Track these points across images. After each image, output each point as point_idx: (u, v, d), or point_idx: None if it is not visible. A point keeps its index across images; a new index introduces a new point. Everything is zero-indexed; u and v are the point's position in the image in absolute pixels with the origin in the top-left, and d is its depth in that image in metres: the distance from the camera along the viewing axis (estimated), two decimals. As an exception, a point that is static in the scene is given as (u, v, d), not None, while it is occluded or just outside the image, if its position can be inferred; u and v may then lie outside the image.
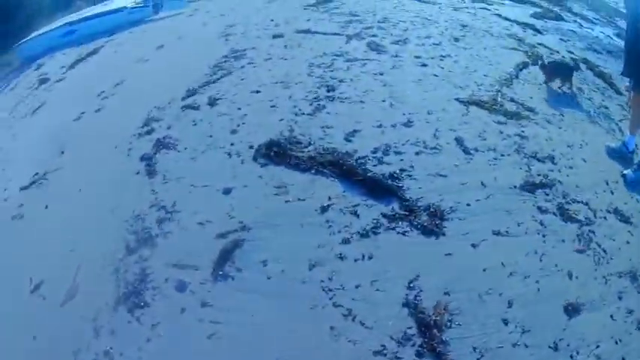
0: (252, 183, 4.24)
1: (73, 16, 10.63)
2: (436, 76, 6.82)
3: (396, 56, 7.29)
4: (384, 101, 5.65)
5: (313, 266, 3.56)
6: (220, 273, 3.48)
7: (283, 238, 3.74)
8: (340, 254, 3.64)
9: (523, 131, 5.82)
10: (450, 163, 4.75)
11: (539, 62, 6.58)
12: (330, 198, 4.06)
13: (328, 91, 5.70)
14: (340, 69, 6.35)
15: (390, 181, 4.29)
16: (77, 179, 4.95)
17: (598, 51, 8.94)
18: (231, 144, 4.77)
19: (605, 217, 4.68)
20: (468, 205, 4.26)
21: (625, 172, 5.43)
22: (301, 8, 9.16)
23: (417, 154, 4.79)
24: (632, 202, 5.07)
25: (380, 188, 4.20)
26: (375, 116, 5.25)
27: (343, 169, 4.33)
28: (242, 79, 6.14)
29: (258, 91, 5.75)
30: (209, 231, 3.84)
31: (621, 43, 8.68)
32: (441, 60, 7.34)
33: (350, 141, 4.79)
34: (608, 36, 9.63)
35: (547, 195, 4.84)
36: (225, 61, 6.75)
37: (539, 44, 8.51)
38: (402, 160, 4.63)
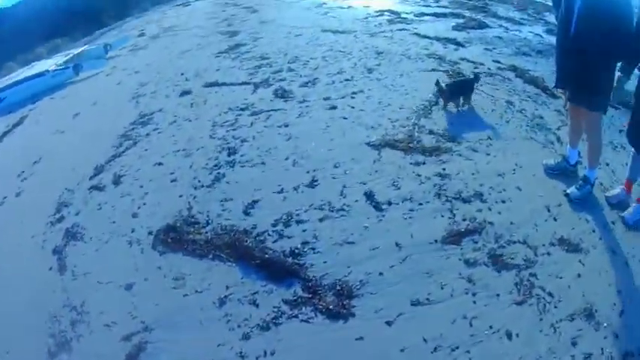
0: (152, 276, 3.98)
1: (1, 82, 11.00)
2: (345, 118, 6.25)
3: (304, 101, 6.80)
4: (286, 159, 5.28)
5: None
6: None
7: (184, 338, 3.47)
8: (241, 352, 3.32)
9: (444, 169, 5.16)
10: (359, 226, 4.35)
11: (435, 86, 6.04)
12: (227, 287, 3.76)
13: (229, 154, 5.44)
14: (244, 126, 6.10)
15: (290, 260, 3.92)
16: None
17: (527, 53, 8.42)
18: (132, 230, 4.51)
19: (548, 253, 4.08)
20: (381, 274, 3.81)
21: (568, 190, 4.76)
22: (213, 56, 9.32)
23: (321, 220, 4.36)
24: (580, 224, 4.43)
25: (280, 270, 3.83)
26: (277, 179, 4.90)
27: (241, 251, 4.02)
28: (146, 150, 5.93)
29: (160, 164, 5.52)
30: (115, 333, 3.59)
31: (552, 39, 8.07)
32: (352, 98, 6.77)
33: (249, 214, 4.46)
34: (538, 35, 9.14)
35: (475, 243, 4.20)
36: (132, 129, 6.60)
37: (462, 59, 7.96)
38: (304, 230, 4.23)
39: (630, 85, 4.24)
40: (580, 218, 4.54)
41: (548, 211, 4.62)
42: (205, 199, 4.73)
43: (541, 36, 9.17)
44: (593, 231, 4.38)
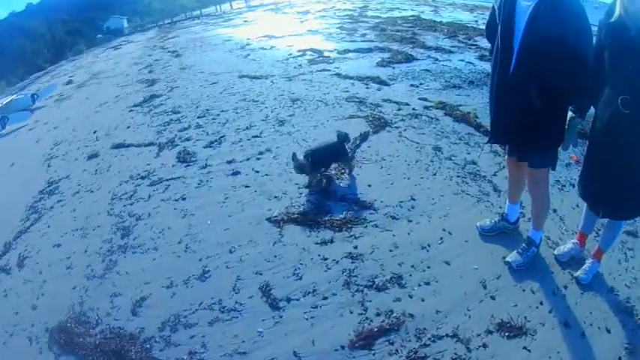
0: None
1: None
2: (247, 186, 5.53)
3: (205, 167, 6.13)
4: (179, 243, 4.71)
5: None
6: None
7: None
8: None
9: (356, 247, 4.40)
10: (253, 331, 3.68)
11: (293, 161, 5.14)
12: None
13: (122, 236, 4.96)
14: (141, 199, 5.63)
15: None
16: None
17: (458, 86, 7.85)
18: (32, 325, 4.11)
19: (484, 345, 3.40)
20: None
21: (509, 258, 4.05)
22: (127, 110, 9.19)
23: (210, 324, 3.78)
24: (524, 298, 3.76)
25: None
26: (167, 270, 4.37)
27: (129, 356, 3.57)
28: (48, 227, 5.58)
29: (59, 245, 5.14)
30: None
31: (486, 65, 7.46)
32: (257, 159, 6.07)
33: (136, 314, 3.96)
34: (470, 62, 8.56)
35: (391, 344, 3.46)
36: (40, 199, 6.33)
37: (385, 100, 7.32)
38: (192, 337, 3.65)
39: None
40: (524, 290, 3.85)
41: (484, 287, 3.90)
42: (96, 292, 4.29)
43: (473, 64, 8.67)
44: (541, 303, 3.70)
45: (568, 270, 3.94)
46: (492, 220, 4.41)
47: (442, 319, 3.62)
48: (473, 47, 9.57)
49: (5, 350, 4.03)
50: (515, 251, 4.05)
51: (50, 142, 8.45)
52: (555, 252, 4.10)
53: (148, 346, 3.63)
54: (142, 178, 6.11)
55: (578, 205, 4.41)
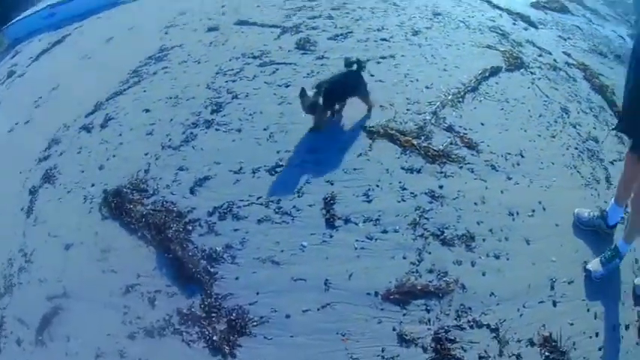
0: (88, 241, 3.53)
1: (55, -1, 10.91)
2: None
3: (322, 58, 5.24)
4: (265, 130, 4.17)
5: (97, 357, 2.84)
6: (40, 338, 3.08)
7: (88, 316, 3.08)
8: (121, 351, 2.82)
9: (441, 186, 3.58)
10: (296, 242, 3.21)
11: (300, 98, 3.83)
12: (138, 276, 3.17)
13: (212, 112, 4.47)
14: (245, 78, 4.95)
15: (204, 263, 3.10)
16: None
17: (604, 54, 6.28)
18: (92, 184, 4.02)
19: (517, 356, 2.70)
20: (287, 317, 2.89)
21: (590, 265, 3.12)
22: None
23: (259, 222, 3.34)
24: (583, 320, 2.94)
25: (189, 272, 3.07)
26: (242, 155, 3.92)
27: (163, 238, 3.32)
28: (144, 91, 5.17)
29: (148, 110, 4.77)
30: (44, 290, 3.36)
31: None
32: (377, 63, 5.06)
33: (193, 193, 3.64)
34: (620, 36, 6.95)
35: (428, 311, 2.86)
36: (145, 64, 5.80)
37: (528, 42, 5.97)
38: (235, 230, 3.29)
39: None
40: (588, 310, 2.98)
41: (552, 288, 3.05)
42: (165, 163, 3.99)
43: (623, 38, 6.91)
44: (596, 335, 2.87)
45: (638, 309, 3.01)
46: (591, 214, 3.40)
47: (492, 304, 2.90)
48: (628, 23, 7.74)
49: (59, 206, 4.01)
50: (598, 259, 3.12)
51: (175, 11, 7.54)
52: (636, 281, 3.14)
53: (190, 227, 3.34)
54: (254, 57, 5.33)
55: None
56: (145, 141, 4.30)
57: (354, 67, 3.98)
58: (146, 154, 4.11)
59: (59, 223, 3.80)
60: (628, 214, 3.05)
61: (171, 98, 4.85)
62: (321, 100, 3.68)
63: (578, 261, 3.20)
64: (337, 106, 4.08)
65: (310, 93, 3.66)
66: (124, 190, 3.76)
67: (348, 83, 3.99)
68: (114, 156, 4.25)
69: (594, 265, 3.10)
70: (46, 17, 9.33)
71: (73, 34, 8.14)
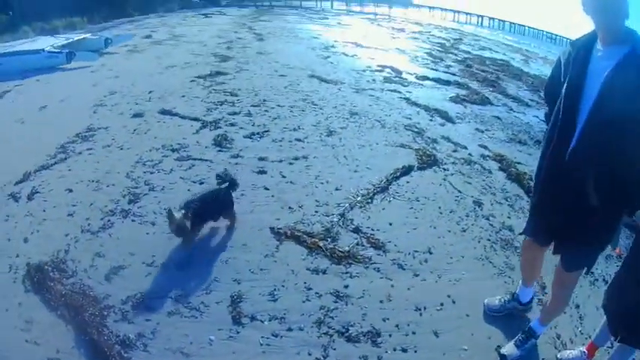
0: (11, 309, 3.63)
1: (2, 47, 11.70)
2: (267, 189, 5.19)
3: (237, 157, 5.89)
4: None
5: None
6: None
7: None
8: None
9: (346, 286, 3.96)
10: (204, 336, 3.46)
11: (167, 219, 4.04)
12: (58, 351, 3.27)
13: (129, 202, 4.90)
14: (162, 171, 5.53)
15: (118, 348, 3.31)
16: None
17: (523, 142, 7.19)
18: (17, 255, 4.16)
19: None
20: None
21: (504, 350, 3.41)
22: (189, 80, 9.16)
23: (169, 314, 3.60)
24: None
25: (103, 356, 3.27)
26: (154, 248, 4.25)
27: (81, 320, 3.53)
28: (69, 170, 5.61)
29: (70, 190, 5.15)
30: None
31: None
32: (289, 164, 5.71)
33: (109, 280, 3.90)
34: (543, 120, 7.67)
35: None
36: (73, 142, 6.35)
37: (443, 137, 6.66)
38: (147, 320, 3.52)
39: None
40: None
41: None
42: (83, 247, 4.25)
43: (545, 123, 7.65)
44: None
45: None
46: (502, 300, 3.78)
47: None
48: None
49: None
50: (512, 342, 3.42)
51: (106, 90, 8.46)
52: (559, 355, 3.47)
53: (105, 313, 3.54)
54: (172, 150, 5.97)
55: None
56: (66, 221, 4.59)
57: (224, 183, 4.40)
58: (66, 235, 4.37)
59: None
60: (545, 298, 3.40)
61: (92, 182, 5.25)
62: (189, 224, 3.85)
63: (491, 347, 3.53)
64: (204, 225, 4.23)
65: (178, 214, 3.78)
66: (46, 267, 3.97)
67: (218, 200, 4.22)
68: (37, 231, 4.47)
69: (509, 348, 3.40)
70: None
71: (12, 91, 8.91)
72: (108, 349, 3.25)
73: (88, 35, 13.40)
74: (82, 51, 11.46)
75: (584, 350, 3.41)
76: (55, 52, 10.91)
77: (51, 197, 5.02)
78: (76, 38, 12.59)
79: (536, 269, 3.57)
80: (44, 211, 4.79)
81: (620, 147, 2.35)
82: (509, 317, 3.73)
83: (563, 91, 2.64)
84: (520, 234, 3.45)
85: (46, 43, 11.64)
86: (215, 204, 4.17)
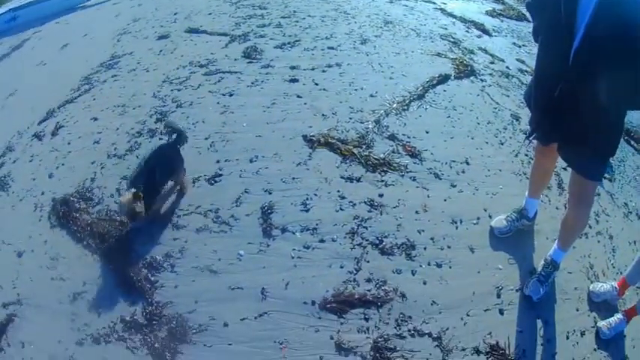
0: (37, 249, 3.61)
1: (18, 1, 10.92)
2: (299, 97, 4.78)
3: (267, 67, 5.38)
4: (206, 139, 4.28)
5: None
6: (-2, 347, 3.04)
7: (41, 323, 3.16)
8: (72, 356, 2.91)
9: (381, 195, 3.68)
10: (233, 252, 3.35)
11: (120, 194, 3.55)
12: (84, 283, 3.27)
13: (157, 120, 4.59)
14: (190, 87, 5.08)
15: (145, 272, 3.25)
16: None
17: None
18: (42, 193, 4.08)
19: None
20: (225, 325, 3.01)
21: (528, 291, 3.15)
22: None
23: (197, 231, 3.47)
24: (535, 328, 3.06)
25: (131, 281, 3.21)
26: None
27: (107, 246, 3.49)
28: (94, 99, 5.29)
29: (96, 119, 4.87)
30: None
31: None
32: (322, 72, 5.23)
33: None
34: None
35: (367, 320, 2.96)
36: (97, 72, 5.95)
37: (480, 49, 6.15)
38: (175, 239, 3.41)
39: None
40: (538, 317, 3.09)
41: (498, 296, 3.15)
42: (110, 172, 4.08)
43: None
44: (548, 341, 2.97)
45: (594, 314, 3.16)
46: (509, 219, 3.49)
47: (434, 313, 2.97)
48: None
49: (11, 213, 4.04)
50: (535, 279, 3.16)
51: (129, 18, 7.89)
52: (591, 287, 3.27)
53: (132, 236, 3.44)
54: (200, 66, 5.51)
55: (636, 242, 3.55)
56: (92, 150, 4.42)
57: (172, 138, 3.54)
58: (92, 163, 4.21)
59: (12, 231, 3.87)
60: (561, 221, 3.09)
61: (118, 106, 4.97)
62: (141, 206, 3.06)
63: (526, 269, 3.30)
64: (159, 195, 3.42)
65: (127, 193, 3.01)
66: (71, 198, 3.86)
67: (169, 165, 3.41)
68: (63, 164, 4.33)
69: (532, 286, 3.12)
70: (8, 21, 9.79)
71: (31, 39, 8.42)
72: (135, 274, 3.20)
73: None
74: None
75: (616, 286, 3.18)
76: None
77: (76, 129, 4.81)
78: None
79: (545, 180, 3.37)
80: (69, 143, 4.60)
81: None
82: (545, 237, 3.49)
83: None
84: (526, 138, 3.09)
85: None
86: (166, 171, 3.38)
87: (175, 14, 7.71)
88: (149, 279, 3.16)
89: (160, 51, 6.29)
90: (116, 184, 3.90)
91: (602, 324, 3.07)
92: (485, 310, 3.03)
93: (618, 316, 3.08)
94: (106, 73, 5.86)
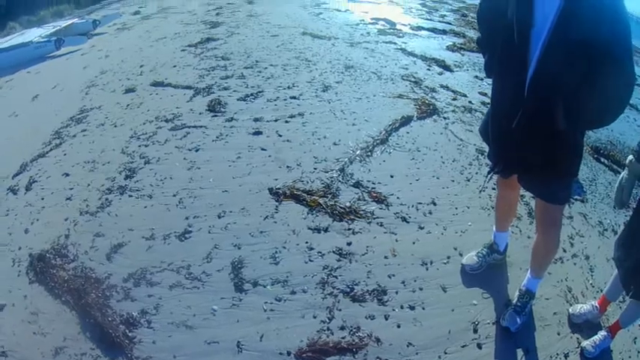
0: (18, 303, 3.58)
1: (-8, 47, 11.68)
2: (264, 150, 4.95)
3: (231, 120, 5.62)
4: (174, 196, 4.37)
5: None
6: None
7: None
8: None
9: (349, 243, 3.80)
10: (207, 307, 3.39)
11: None
12: (65, 339, 3.24)
13: (126, 177, 4.69)
14: (157, 142, 5.27)
15: (123, 329, 3.25)
16: None
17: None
18: (19, 248, 4.06)
19: None
20: None
21: (504, 322, 3.22)
22: (180, 49, 8.76)
23: (170, 287, 3.49)
24: (517, 358, 3.09)
25: (110, 337, 3.24)
26: (153, 221, 4.11)
27: (84, 303, 3.49)
28: (64, 155, 5.39)
29: (67, 174, 4.95)
30: None
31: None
32: (285, 122, 5.43)
33: (110, 260, 3.78)
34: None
35: None
36: (67, 125, 6.11)
37: (443, 86, 6.38)
38: (149, 296, 3.44)
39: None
40: (518, 347, 3.13)
41: (475, 331, 3.20)
42: (83, 229, 4.12)
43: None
44: None
45: (577, 335, 3.22)
46: (479, 255, 3.59)
47: (411, 354, 3.01)
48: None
49: None
50: (511, 310, 3.23)
51: (97, 70, 8.15)
52: (570, 310, 3.34)
53: (108, 294, 3.47)
54: (167, 121, 5.72)
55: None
56: (65, 206, 4.46)
57: None
58: (66, 220, 4.24)
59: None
60: (532, 248, 3.19)
61: (88, 162, 5.07)
62: None
63: (502, 301, 3.40)
64: None
65: None
66: (47, 255, 3.89)
67: None
68: (37, 220, 4.36)
69: (508, 318, 3.20)
70: None
71: (3, 88, 8.66)
72: (113, 330, 3.21)
73: (75, 20, 13.05)
74: (71, 36, 11.25)
75: (596, 305, 3.26)
76: (42, 42, 10.71)
77: (48, 184, 4.88)
78: (63, 25, 12.26)
79: (511, 212, 3.45)
80: (42, 199, 4.66)
81: (581, 68, 2.14)
82: (518, 268, 3.61)
83: (511, 15, 2.34)
84: (488, 173, 3.09)
85: (34, 34, 11.46)
86: None
87: (141, 66, 8.01)
88: (127, 335, 3.22)
89: (127, 105, 6.48)
90: (89, 242, 3.99)
91: (587, 343, 3.12)
92: (463, 347, 3.09)
93: (602, 333, 3.13)
94: (76, 127, 6.01)
